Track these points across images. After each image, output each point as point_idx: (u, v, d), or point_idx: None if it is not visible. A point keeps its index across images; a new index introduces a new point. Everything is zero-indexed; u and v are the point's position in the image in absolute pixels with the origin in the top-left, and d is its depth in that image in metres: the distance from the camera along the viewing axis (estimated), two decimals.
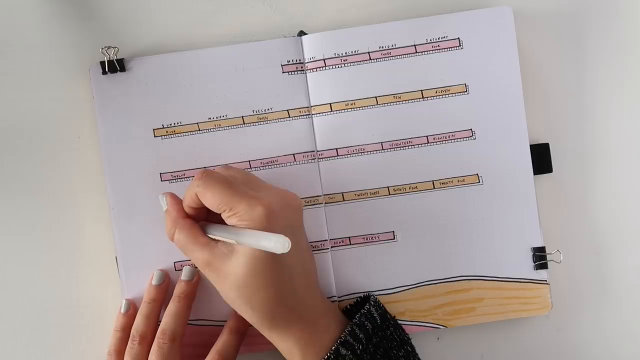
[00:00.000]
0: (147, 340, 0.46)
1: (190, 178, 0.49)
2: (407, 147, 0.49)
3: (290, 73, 0.49)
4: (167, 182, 0.49)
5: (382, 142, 0.49)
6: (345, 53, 0.49)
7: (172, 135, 0.49)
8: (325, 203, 0.49)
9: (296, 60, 0.49)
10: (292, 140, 0.49)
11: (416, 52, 0.49)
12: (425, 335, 0.50)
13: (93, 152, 0.50)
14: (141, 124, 0.49)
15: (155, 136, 0.49)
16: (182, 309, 0.47)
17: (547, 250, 0.49)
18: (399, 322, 0.48)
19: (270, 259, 0.40)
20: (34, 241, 0.50)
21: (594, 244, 0.51)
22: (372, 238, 0.49)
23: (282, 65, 0.49)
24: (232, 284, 0.41)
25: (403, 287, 0.49)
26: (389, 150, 0.49)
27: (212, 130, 0.49)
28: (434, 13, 0.50)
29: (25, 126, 0.50)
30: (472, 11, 0.50)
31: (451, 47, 0.50)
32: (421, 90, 0.49)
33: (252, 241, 0.39)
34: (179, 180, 0.49)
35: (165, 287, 0.48)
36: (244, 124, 0.49)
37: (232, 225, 0.41)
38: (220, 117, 0.49)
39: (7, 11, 0.50)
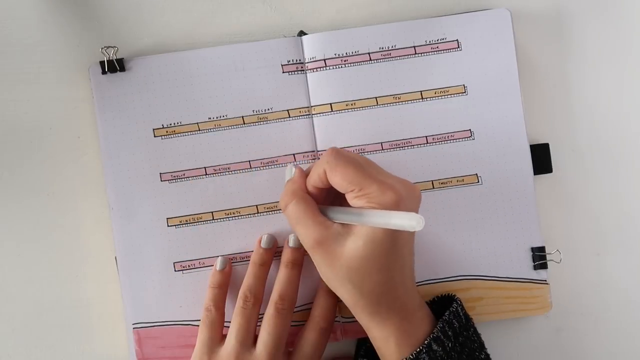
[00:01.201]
0: (259, 303, 0.46)
1: (190, 178, 0.49)
2: (406, 147, 0.49)
3: (290, 73, 0.49)
4: (167, 182, 0.49)
5: (382, 142, 0.49)
6: (346, 53, 0.49)
7: (172, 135, 0.49)
8: None
9: (296, 60, 0.49)
10: (292, 140, 0.49)
11: (416, 53, 0.50)
12: None
13: (93, 152, 0.50)
14: (141, 124, 0.49)
15: (155, 136, 0.49)
16: (296, 276, 0.47)
17: (547, 250, 0.49)
18: None
19: (389, 245, 0.40)
20: (34, 241, 0.50)
21: (594, 244, 0.51)
22: None
23: (282, 65, 0.49)
24: (344, 265, 0.40)
25: None
26: (389, 150, 0.49)
27: (212, 130, 0.49)
28: (433, 15, 0.50)
29: (25, 126, 0.50)
30: (471, 13, 0.50)
31: (450, 49, 0.50)
32: (421, 91, 0.50)
33: (381, 220, 0.38)
34: (179, 180, 0.49)
35: (273, 251, 0.48)
36: (244, 124, 0.49)
37: (357, 207, 0.41)
38: (220, 117, 0.49)
39: (7, 11, 0.50)
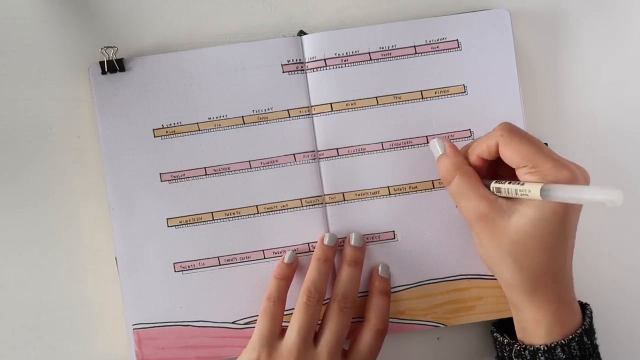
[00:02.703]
0: (322, 299, 0.46)
1: (190, 178, 0.49)
2: (407, 147, 0.50)
3: (290, 73, 0.49)
4: (167, 182, 0.49)
5: (382, 142, 0.49)
6: (346, 53, 0.49)
7: (172, 135, 0.49)
8: (326, 203, 0.49)
9: (296, 60, 0.49)
10: (292, 140, 0.49)
11: (416, 53, 0.50)
12: (425, 335, 0.51)
13: (93, 152, 0.50)
14: (141, 124, 0.49)
15: (155, 136, 0.49)
16: (358, 275, 0.47)
17: None
18: (399, 321, 0.49)
19: (557, 225, 0.40)
20: (34, 241, 0.49)
21: (594, 244, 0.51)
22: (372, 238, 0.49)
23: (282, 65, 0.49)
24: (508, 239, 0.40)
25: (403, 286, 0.49)
26: (389, 150, 0.49)
27: (212, 130, 0.49)
28: (434, 15, 0.50)
29: (25, 126, 0.50)
30: (471, 13, 0.50)
31: (450, 49, 0.50)
32: (421, 91, 0.50)
33: (569, 195, 0.37)
34: (178, 180, 0.49)
35: (335, 249, 0.48)
36: (244, 124, 0.49)
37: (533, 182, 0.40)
38: (220, 117, 0.49)
39: (7, 11, 0.50)
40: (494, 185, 0.42)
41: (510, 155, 0.41)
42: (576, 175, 0.40)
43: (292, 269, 0.48)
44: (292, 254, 0.48)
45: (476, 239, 0.43)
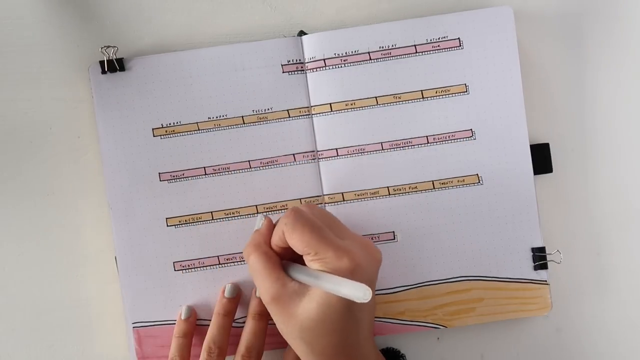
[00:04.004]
0: (223, 354, 0.47)
1: (190, 178, 0.49)
2: (407, 147, 0.49)
3: (290, 73, 0.49)
4: (166, 182, 0.49)
5: (382, 142, 0.49)
6: (346, 53, 0.49)
7: (171, 135, 0.49)
8: (326, 203, 0.49)
9: (296, 60, 0.49)
10: (292, 140, 0.49)
11: (416, 52, 0.49)
12: (425, 335, 0.50)
13: (93, 152, 0.50)
14: (140, 124, 0.49)
15: (154, 136, 0.49)
16: (263, 327, 0.47)
17: (547, 251, 0.49)
18: (399, 322, 0.49)
19: (343, 308, 0.40)
20: (34, 241, 0.50)
21: (594, 244, 0.51)
22: (372, 238, 0.49)
23: (282, 65, 0.49)
24: (297, 324, 0.41)
25: (403, 287, 0.49)
26: (389, 150, 0.49)
27: (211, 130, 0.49)
28: (434, 13, 0.50)
29: (25, 126, 0.50)
30: (473, 11, 0.50)
31: (451, 47, 0.49)
32: (421, 91, 0.49)
33: (332, 286, 0.38)
34: (178, 179, 0.49)
35: (238, 300, 0.48)
36: (244, 123, 0.49)
37: (314, 269, 0.41)
38: (220, 117, 0.49)
39: (7, 11, 0.50)
40: (289, 271, 0.43)
41: (294, 243, 0.41)
42: (357, 262, 0.40)
43: (191, 324, 0.48)
44: (188, 310, 0.48)
45: (273, 318, 0.43)
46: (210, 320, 0.48)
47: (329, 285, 0.39)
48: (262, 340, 0.47)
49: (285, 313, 0.41)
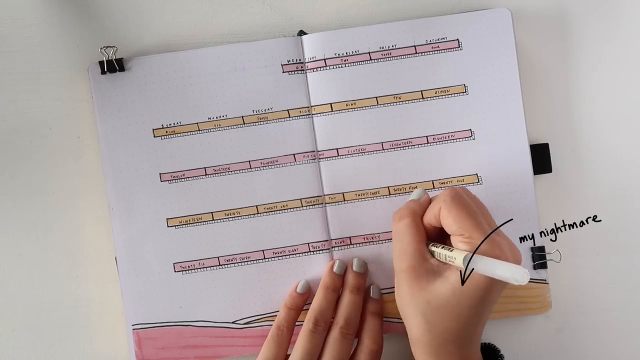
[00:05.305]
0: (328, 328, 0.47)
1: (190, 178, 0.49)
2: (407, 147, 0.49)
3: (290, 73, 0.49)
4: (167, 182, 0.49)
5: (382, 142, 0.49)
6: (346, 53, 0.49)
7: (171, 135, 0.49)
8: (326, 203, 0.49)
9: (296, 60, 0.49)
10: (292, 140, 0.49)
11: (416, 53, 0.49)
12: None
13: (93, 152, 0.50)
14: (140, 124, 0.49)
15: (154, 136, 0.49)
16: (360, 301, 0.47)
17: (547, 250, 0.49)
18: (400, 321, 0.48)
19: (476, 299, 0.40)
20: (34, 241, 0.49)
21: (594, 244, 0.51)
22: (372, 238, 0.49)
23: (282, 65, 0.49)
24: (425, 300, 0.41)
25: None
26: (389, 150, 0.49)
27: (212, 130, 0.49)
28: (434, 14, 0.50)
29: (25, 126, 0.50)
30: (471, 13, 0.50)
31: (450, 48, 0.50)
32: (421, 91, 0.50)
33: (486, 268, 0.38)
34: (178, 180, 0.49)
35: (343, 278, 0.48)
36: (244, 124, 0.49)
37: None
38: (220, 117, 0.49)
39: (7, 11, 0.50)
40: (430, 247, 0.43)
41: (448, 221, 0.41)
42: (505, 254, 0.40)
43: (304, 299, 0.48)
44: (304, 284, 0.48)
45: (396, 287, 0.43)
46: (217, 322, 0.48)
47: (483, 267, 0.38)
48: (359, 313, 0.47)
49: (415, 285, 0.41)
